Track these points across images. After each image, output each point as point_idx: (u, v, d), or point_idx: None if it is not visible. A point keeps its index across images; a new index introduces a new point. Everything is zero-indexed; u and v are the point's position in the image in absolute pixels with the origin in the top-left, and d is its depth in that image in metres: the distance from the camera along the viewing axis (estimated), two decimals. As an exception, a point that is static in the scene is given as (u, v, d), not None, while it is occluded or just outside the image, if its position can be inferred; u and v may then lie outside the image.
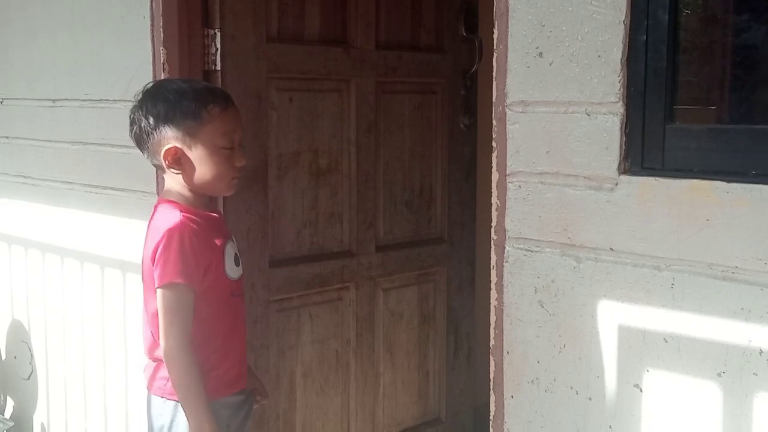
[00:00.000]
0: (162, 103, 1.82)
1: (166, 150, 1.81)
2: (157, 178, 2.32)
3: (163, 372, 1.88)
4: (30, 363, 3.04)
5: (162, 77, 2.27)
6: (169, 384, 1.86)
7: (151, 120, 1.82)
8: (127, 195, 2.49)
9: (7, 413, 3.19)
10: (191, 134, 1.80)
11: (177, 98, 1.81)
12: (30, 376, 3.05)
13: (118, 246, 2.55)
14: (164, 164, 1.83)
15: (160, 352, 1.87)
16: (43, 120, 2.83)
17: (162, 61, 2.28)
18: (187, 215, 1.82)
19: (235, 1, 2.33)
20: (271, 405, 2.52)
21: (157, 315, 1.84)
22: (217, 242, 1.88)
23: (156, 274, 1.80)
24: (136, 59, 2.39)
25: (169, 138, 1.81)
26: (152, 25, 2.33)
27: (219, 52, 2.30)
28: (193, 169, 1.83)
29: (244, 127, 1.98)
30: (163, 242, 1.78)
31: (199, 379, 1.81)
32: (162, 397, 1.89)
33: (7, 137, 3.02)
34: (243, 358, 2.00)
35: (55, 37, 2.74)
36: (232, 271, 1.91)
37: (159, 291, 1.80)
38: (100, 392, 2.73)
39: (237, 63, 2.34)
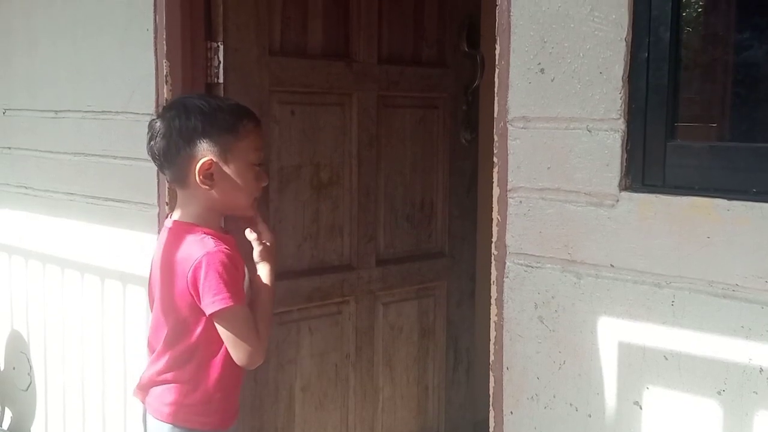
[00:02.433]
0: (198, 116, 1.79)
1: (202, 164, 1.79)
2: (158, 190, 2.32)
3: (172, 397, 1.87)
4: (28, 374, 3.04)
5: (165, 90, 2.27)
6: (183, 410, 1.86)
7: (185, 133, 1.79)
8: (129, 207, 2.49)
9: (5, 424, 3.18)
10: (228, 149, 1.79)
11: (213, 112, 1.80)
12: (28, 387, 3.05)
13: (119, 257, 2.54)
14: (197, 179, 1.80)
15: (180, 375, 1.86)
16: (45, 131, 2.83)
17: (165, 73, 2.28)
18: (216, 240, 1.81)
19: (238, 14, 2.34)
20: (270, 419, 2.51)
21: (179, 339, 1.84)
22: (242, 263, 1.88)
23: (205, 303, 1.77)
24: (138, 71, 2.40)
25: (205, 152, 1.79)
26: (155, 37, 2.34)
27: (222, 65, 2.31)
28: (225, 184, 1.81)
29: None
30: (203, 269, 1.76)
31: (262, 311, 1.87)
32: (170, 423, 1.88)
33: (9, 148, 3.03)
34: (238, 394, 2.01)
35: (57, 48, 2.75)
36: (246, 289, 1.92)
37: (217, 318, 1.79)
38: (98, 404, 2.72)
39: (239, 76, 2.35)
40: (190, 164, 1.80)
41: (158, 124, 1.84)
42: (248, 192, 1.84)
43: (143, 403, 1.95)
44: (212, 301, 1.76)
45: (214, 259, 1.76)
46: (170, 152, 1.82)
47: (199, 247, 1.79)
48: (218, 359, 1.84)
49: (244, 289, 1.87)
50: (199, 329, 1.81)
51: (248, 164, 1.82)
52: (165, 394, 1.88)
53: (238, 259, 1.84)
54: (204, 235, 1.81)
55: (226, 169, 1.80)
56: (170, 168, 1.86)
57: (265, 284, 1.90)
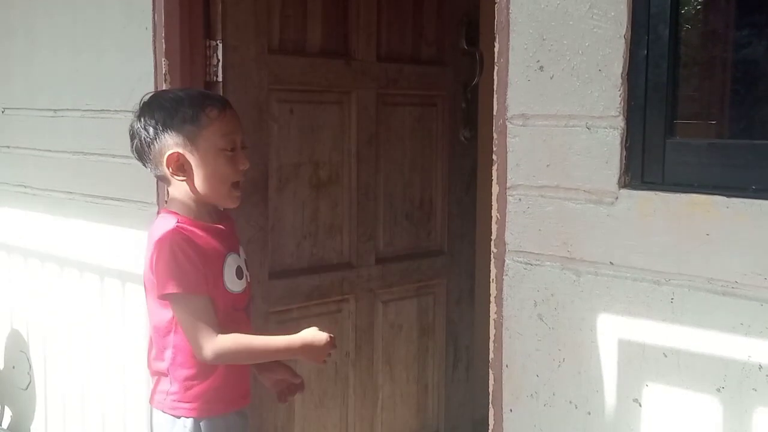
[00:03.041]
0: (159, 111, 1.81)
1: (168, 156, 1.80)
2: (157, 188, 2.32)
3: (163, 386, 1.87)
4: (28, 373, 3.04)
5: (163, 88, 2.27)
6: (169, 398, 1.85)
7: (151, 130, 1.81)
8: (127, 205, 2.49)
9: (5, 423, 3.19)
10: (191, 138, 1.79)
11: (173, 105, 1.81)
12: (28, 386, 3.05)
13: (118, 256, 2.54)
14: (168, 172, 1.81)
15: (159, 366, 1.86)
16: (44, 130, 2.83)
17: (164, 71, 2.28)
18: (182, 224, 1.80)
19: (237, 12, 2.33)
20: (270, 417, 2.51)
21: (157, 327, 1.84)
22: (216, 254, 1.85)
23: (158, 285, 1.78)
24: (137, 70, 2.39)
25: (170, 145, 1.80)
26: (154, 35, 2.33)
27: (221, 64, 2.31)
28: (198, 173, 1.81)
29: (244, 131, 1.96)
30: (156, 252, 1.77)
31: (253, 341, 1.84)
32: (162, 411, 1.88)
33: (8, 147, 3.03)
34: (245, 375, 1.97)
35: (56, 47, 2.74)
36: (233, 284, 1.88)
37: (169, 302, 1.79)
38: (98, 403, 2.72)
39: (238, 74, 2.35)
40: (161, 159, 1.82)
41: (132, 125, 1.86)
42: (222, 178, 1.83)
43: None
44: (161, 287, 1.77)
45: (164, 244, 1.76)
46: (143, 150, 1.84)
47: (158, 231, 1.80)
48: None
49: (218, 279, 1.84)
50: (169, 313, 1.81)
51: (217, 150, 1.81)
52: (157, 383, 1.90)
53: (201, 248, 1.80)
54: (169, 219, 1.81)
55: (192, 159, 1.80)
56: (148, 165, 1.88)
57: (277, 342, 1.88)
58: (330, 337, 1.89)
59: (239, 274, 1.90)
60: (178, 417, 1.85)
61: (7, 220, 3.07)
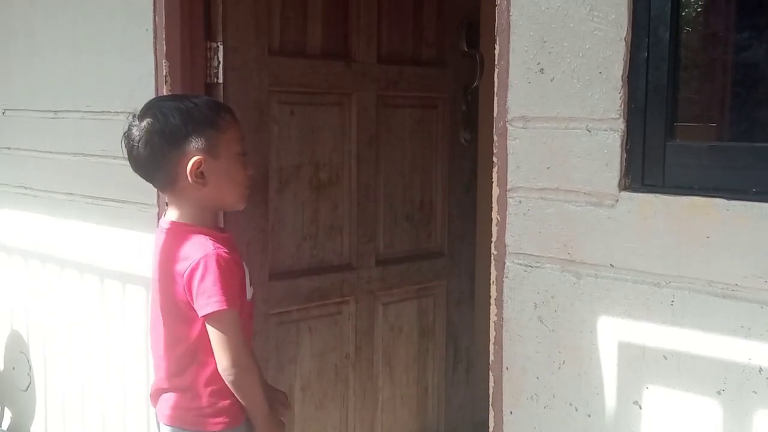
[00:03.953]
0: (177, 115, 1.77)
1: (193, 162, 1.77)
2: (157, 190, 2.32)
3: (184, 402, 1.85)
4: (28, 374, 3.04)
5: (164, 90, 2.27)
6: (192, 413, 1.84)
7: (169, 135, 1.77)
8: (128, 207, 2.49)
9: (5, 424, 3.18)
10: (214, 143, 1.78)
11: (190, 110, 1.78)
12: (28, 387, 3.05)
13: (118, 257, 2.54)
14: (189, 179, 1.78)
15: (179, 382, 1.85)
16: (44, 131, 2.83)
17: (164, 73, 2.28)
18: (213, 240, 1.80)
19: (237, 14, 2.34)
20: (270, 418, 2.51)
21: (178, 343, 1.83)
22: (240, 265, 1.86)
23: (199, 304, 1.76)
24: (137, 71, 2.39)
25: (193, 150, 1.77)
26: (155, 37, 2.34)
27: (221, 65, 2.31)
28: (217, 179, 1.80)
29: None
30: (203, 270, 1.75)
31: (258, 389, 1.84)
32: (182, 428, 1.86)
33: (9, 148, 3.03)
34: None
35: (57, 48, 2.75)
36: (249, 292, 1.90)
37: (209, 321, 1.77)
38: (98, 404, 2.72)
39: (239, 76, 2.35)
40: (179, 165, 1.78)
41: (135, 132, 1.80)
42: (240, 183, 1.84)
43: (155, 408, 1.95)
44: (206, 303, 1.75)
45: (210, 262, 1.75)
46: (156, 158, 1.79)
47: (197, 249, 1.78)
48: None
49: (244, 290, 1.87)
50: (195, 332, 1.80)
51: (235, 155, 1.82)
52: (170, 399, 1.87)
53: (235, 261, 1.82)
54: (203, 237, 1.80)
55: (215, 164, 1.79)
56: (157, 173, 1.83)
57: (264, 405, 1.88)
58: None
59: (250, 281, 1.92)
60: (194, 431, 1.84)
61: (8, 221, 3.07)
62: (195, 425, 1.84)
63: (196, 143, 1.77)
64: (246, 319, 1.89)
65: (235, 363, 1.78)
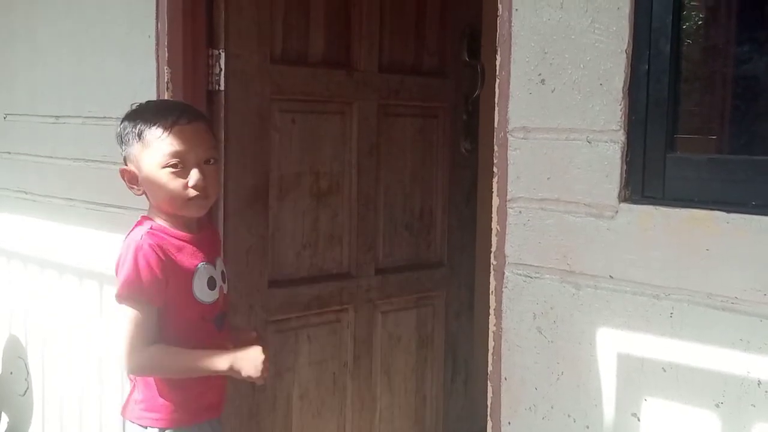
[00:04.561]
0: (120, 125, 1.86)
1: (120, 171, 1.86)
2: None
3: (134, 395, 1.87)
4: (26, 379, 3.03)
5: (165, 96, 2.28)
6: (137, 407, 1.86)
7: (117, 140, 1.87)
8: (128, 213, 2.47)
9: (2, 429, 3.18)
10: (136, 155, 1.82)
11: (130, 120, 1.84)
12: (26, 392, 3.04)
13: (117, 264, 2.54)
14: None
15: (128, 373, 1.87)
16: (45, 136, 2.83)
17: (166, 79, 2.29)
18: (155, 231, 1.82)
19: (240, 21, 2.34)
20: (267, 427, 2.51)
21: None
22: (186, 262, 1.84)
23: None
24: (139, 77, 2.40)
25: (123, 159, 1.86)
26: (157, 44, 2.34)
27: (223, 72, 2.31)
28: (147, 188, 1.84)
29: (215, 146, 1.91)
30: (123, 254, 1.79)
31: (177, 355, 1.80)
32: (131, 421, 1.87)
33: (9, 153, 3.03)
34: (216, 386, 1.93)
35: (59, 53, 2.75)
36: (203, 294, 1.85)
37: (116, 302, 1.80)
38: (95, 410, 2.71)
39: (241, 83, 2.35)
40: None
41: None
42: (167, 193, 1.81)
43: None
44: (118, 286, 1.79)
45: (130, 251, 1.78)
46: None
47: (129, 237, 1.82)
48: None
49: (182, 289, 1.83)
50: None
51: (157, 167, 1.79)
52: (131, 392, 1.90)
53: (171, 255, 1.81)
54: (144, 226, 1.83)
55: (140, 174, 1.83)
56: None
57: (211, 360, 1.82)
58: (264, 348, 1.84)
59: (211, 284, 1.87)
60: (145, 427, 1.84)
61: (8, 225, 3.07)
62: (139, 419, 1.86)
63: (125, 153, 1.85)
64: (198, 321, 1.86)
65: (123, 357, 1.79)
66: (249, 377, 1.82)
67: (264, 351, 1.82)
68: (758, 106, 1.51)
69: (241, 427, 2.43)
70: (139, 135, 1.80)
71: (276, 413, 2.54)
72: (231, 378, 1.88)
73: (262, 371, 1.81)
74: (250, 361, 1.80)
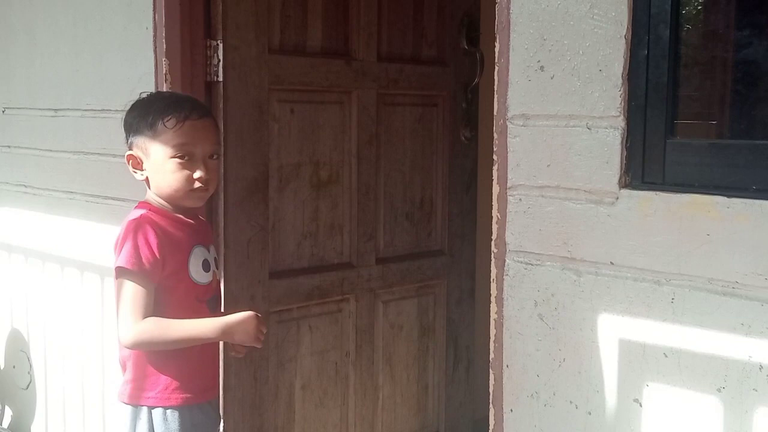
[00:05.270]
0: (130, 113, 1.92)
1: (126, 156, 1.92)
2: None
3: (125, 376, 1.91)
4: (29, 373, 3.04)
5: (164, 88, 2.27)
6: (128, 387, 1.89)
7: (125, 127, 1.93)
8: (128, 205, 2.47)
9: (5, 423, 3.19)
10: (145, 144, 1.88)
11: (142, 109, 1.90)
12: (28, 385, 3.05)
13: (118, 256, 2.54)
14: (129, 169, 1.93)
15: (121, 355, 1.91)
16: (44, 129, 2.83)
17: (164, 71, 2.28)
18: (153, 212, 1.88)
19: (237, 12, 2.33)
20: (270, 417, 2.51)
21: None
22: (183, 243, 1.89)
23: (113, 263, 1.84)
24: (138, 70, 2.40)
25: (132, 146, 1.91)
26: (155, 35, 2.34)
27: (221, 63, 2.31)
28: (151, 175, 1.90)
29: (220, 142, 2.01)
30: (121, 234, 1.84)
31: (171, 325, 1.82)
32: (123, 403, 1.91)
33: (9, 146, 3.03)
34: (209, 369, 1.99)
35: (57, 46, 2.75)
36: (198, 275, 1.91)
37: (114, 280, 1.83)
38: (98, 402, 2.72)
39: (239, 74, 2.35)
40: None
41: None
42: (171, 183, 1.87)
43: None
44: (115, 259, 1.83)
45: (130, 226, 1.84)
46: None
47: (127, 218, 1.88)
48: None
49: (177, 262, 1.87)
50: None
51: (166, 158, 1.86)
52: (124, 374, 1.94)
53: (168, 234, 1.86)
54: (141, 207, 1.90)
55: (147, 162, 1.89)
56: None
57: (204, 326, 1.85)
58: (256, 315, 1.88)
59: (206, 266, 1.94)
60: (137, 406, 1.87)
61: (8, 219, 3.07)
62: (130, 398, 1.89)
63: (133, 139, 1.91)
64: (193, 301, 1.91)
65: (120, 329, 1.81)
66: (243, 343, 1.88)
67: (258, 317, 1.87)
68: (758, 91, 1.51)
69: (244, 417, 2.43)
70: (152, 125, 1.87)
71: (278, 403, 2.54)
72: (231, 368, 1.91)
73: (257, 335, 1.86)
74: (241, 325, 1.85)
